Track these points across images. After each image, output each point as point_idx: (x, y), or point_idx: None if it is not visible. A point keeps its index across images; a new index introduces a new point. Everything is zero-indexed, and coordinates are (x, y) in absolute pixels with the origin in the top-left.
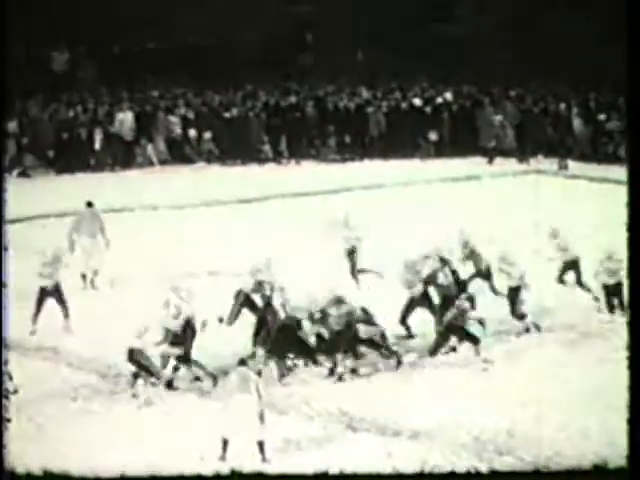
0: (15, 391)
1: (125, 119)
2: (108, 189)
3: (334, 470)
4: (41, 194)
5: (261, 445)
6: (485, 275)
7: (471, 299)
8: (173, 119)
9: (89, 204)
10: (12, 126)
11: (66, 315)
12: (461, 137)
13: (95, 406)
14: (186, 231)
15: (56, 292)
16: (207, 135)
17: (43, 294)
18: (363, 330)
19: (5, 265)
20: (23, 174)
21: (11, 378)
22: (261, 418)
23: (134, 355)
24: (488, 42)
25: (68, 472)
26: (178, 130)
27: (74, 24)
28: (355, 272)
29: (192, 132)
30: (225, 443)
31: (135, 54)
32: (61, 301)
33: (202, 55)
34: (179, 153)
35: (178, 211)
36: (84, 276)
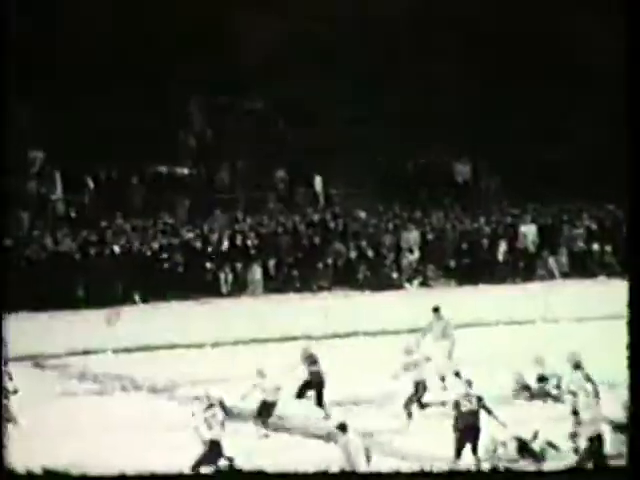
0: (15, 391)
1: (528, 232)
2: (509, 301)
3: (334, 468)
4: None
5: None
6: None
7: None
8: (577, 232)
9: (435, 309)
10: (413, 236)
11: None
12: None
13: None
14: (588, 344)
15: None
16: (608, 248)
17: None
18: None
19: None
20: (423, 284)
21: (11, 378)
22: None
23: None
24: None
25: (68, 471)
26: (581, 243)
27: (477, 137)
28: None
29: (595, 245)
30: None
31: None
32: None
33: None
34: (581, 266)
35: (577, 324)
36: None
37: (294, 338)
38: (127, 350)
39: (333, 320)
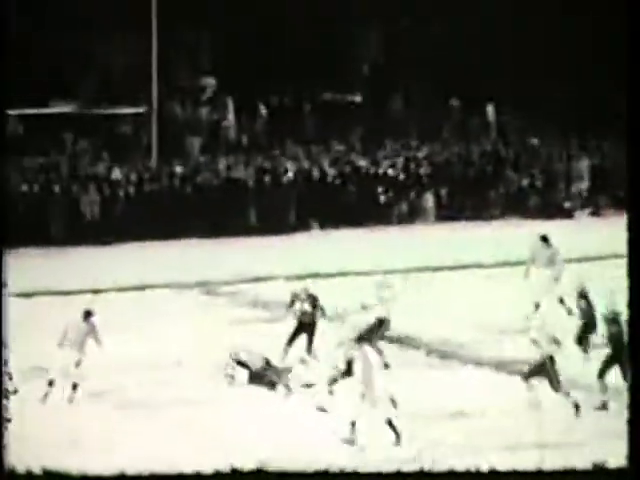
0: (15, 391)
1: None
2: None
3: (334, 469)
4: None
5: None
6: None
7: None
8: None
9: (543, 238)
10: (585, 165)
11: None
12: None
13: None
14: None
15: None
16: None
17: None
18: None
19: None
20: (594, 214)
21: (11, 378)
22: None
23: None
24: None
25: (68, 471)
26: None
27: None
28: None
29: None
30: None
31: None
32: None
33: None
34: None
35: None
36: None
37: (465, 266)
38: (298, 277)
39: (505, 248)
